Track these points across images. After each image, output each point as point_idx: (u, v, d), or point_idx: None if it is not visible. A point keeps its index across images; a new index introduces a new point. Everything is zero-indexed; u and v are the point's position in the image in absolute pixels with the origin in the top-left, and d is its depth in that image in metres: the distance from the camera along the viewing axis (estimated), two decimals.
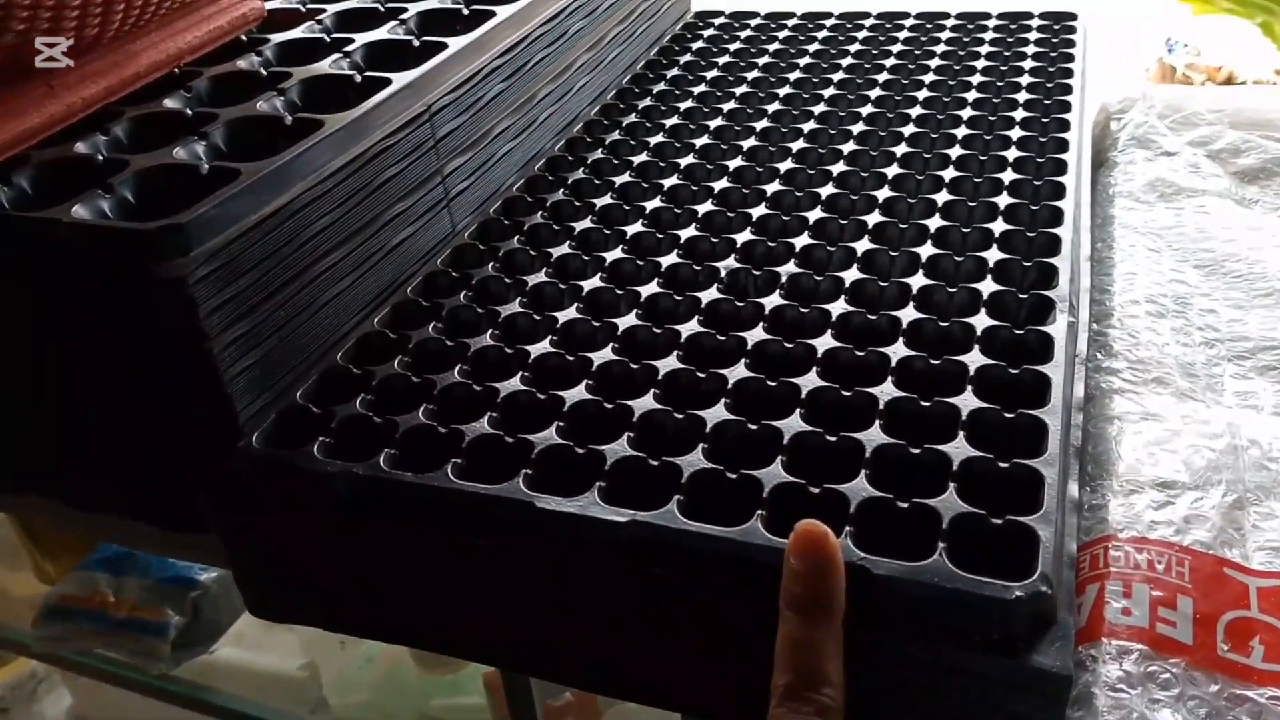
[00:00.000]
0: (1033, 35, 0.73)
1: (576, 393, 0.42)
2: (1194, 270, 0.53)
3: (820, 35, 0.77)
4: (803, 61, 0.73)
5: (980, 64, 0.70)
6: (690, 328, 0.46)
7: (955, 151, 0.59)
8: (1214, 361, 0.47)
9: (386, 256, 0.50)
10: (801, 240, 0.52)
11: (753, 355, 0.44)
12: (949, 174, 0.56)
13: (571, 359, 0.44)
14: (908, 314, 0.45)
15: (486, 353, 0.46)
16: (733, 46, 0.77)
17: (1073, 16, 0.76)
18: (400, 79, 0.50)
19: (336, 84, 0.52)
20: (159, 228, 0.38)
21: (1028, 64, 0.69)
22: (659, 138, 0.64)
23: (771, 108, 0.66)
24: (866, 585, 0.32)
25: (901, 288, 0.47)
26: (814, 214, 0.54)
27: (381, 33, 0.58)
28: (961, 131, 0.61)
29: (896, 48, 0.73)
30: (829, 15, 0.81)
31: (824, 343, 0.44)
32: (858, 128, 0.62)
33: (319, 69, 0.54)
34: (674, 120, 0.66)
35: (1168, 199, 0.59)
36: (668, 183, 0.58)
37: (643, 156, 0.62)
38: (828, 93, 0.67)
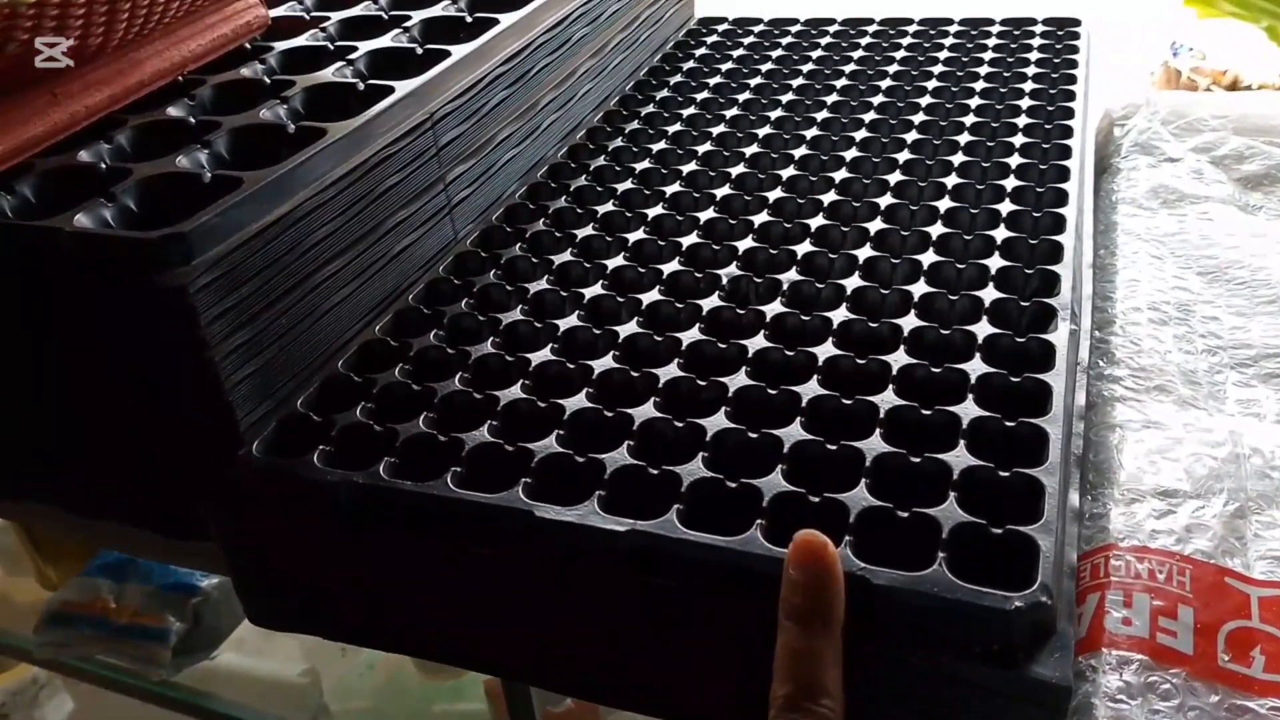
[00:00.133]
0: (1036, 41, 0.73)
1: (577, 401, 0.42)
2: (1197, 277, 0.53)
3: (823, 42, 0.77)
4: (805, 68, 0.73)
5: (983, 70, 0.69)
6: (691, 335, 0.46)
7: (958, 158, 0.59)
8: (1216, 369, 0.47)
9: (388, 264, 0.50)
10: (803, 247, 0.52)
11: (753, 363, 0.44)
12: (951, 181, 0.56)
13: (572, 367, 0.45)
14: (909, 322, 0.45)
15: (487, 360, 0.46)
16: (735, 53, 0.77)
17: (1076, 23, 0.76)
18: (403, 87, 0.51)
19: (339, 92, 0.52)
20: (161, 236, 0.38)
21: (1031, 70, 0.69)
22: (662, 144, 0.64)
23: (774, 114, 0.66)
24: (866, 595, 0.32)
25: (903, 295, 0.47)
26: (816, 221, 0.54)
27: (385, 41, 0.58)
28: (964, 138, 0.61)
29: (899, 54, 0.73)
30: (832, 22, 0.81)
31: (825, 350, 0.44)
32: (860, 134, 0.62)
33: (322, 77, 0.54)
34: (677, 127, 0.66)
35: (1171, 205, 0.59)
36: (670, 190, 0.58)
37: (645, 163, 0.62)
38: (830, 99, 0.67)
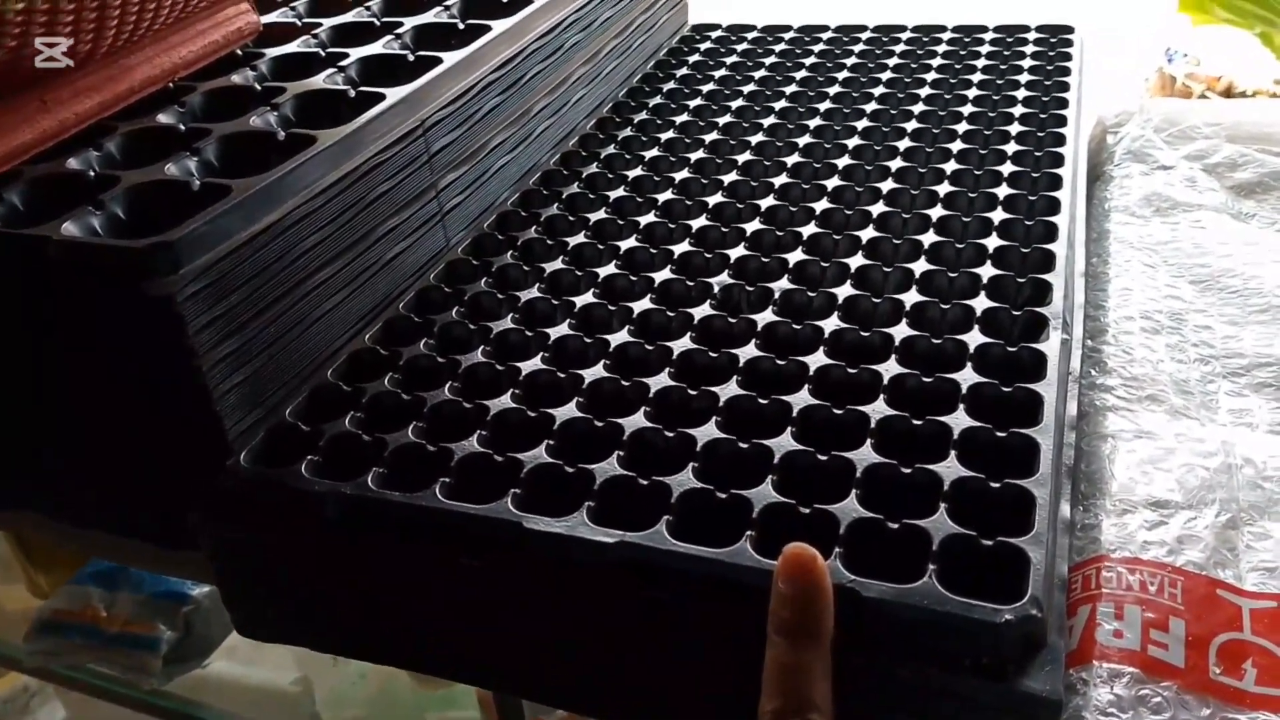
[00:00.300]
0: (1029, 49, 0.73)
1: (567, 410, 0.42)
2: (1189, 286, 0.53)
3: (816, 49, 0.77)
4: (799, 75, 0.73)
5: (976, 78, 0.69)
6: (682, 344, 0.46)
7: (950, 166, 0.59)
8: (1209, 378, 0.47)
9: (379, 272, 0.50)
10: (795, 256, 0.51)
11: (745, 372, 0.44)
12: (944, 189, 0.56)
13: (562, 376, 0.44)
14: (900, 331, 0.45)
15: (477, 369, 0.45)
16: (729, 60, 0.77)
17: (1069, 30, 0.76)
18: (394, 94, 0.50)
19: (331, 99, 0.52)
20: (148, 245, 0.38)
21: (1024, 78, 0.69)
22: (654, 152, 0.64)
23: (767, 122, 0.66)
24: (856, 608, 0.32)
25: (895, 304, 0.47)
26: (808, 229, 0.54)
27: (376, 47, 0.58)
28: (957, 146, 0.61)
29: (892, 61, 0.73)
30: (825, 28, 0.81)
31: (816, 360, 0.44)
32: (853, 142, 0.62)
33: (313, 84, 0.54)
34: (669, 134, 0.66)
35: (1164, 213, 0.59)
36: (662, 197, 0.58)
37: (638, 171, 0.62)
38: (823, 107, 0.67)
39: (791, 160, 0.61)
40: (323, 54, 0.58)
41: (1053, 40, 0.74)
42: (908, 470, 0.37)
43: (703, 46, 0.80)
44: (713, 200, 0.57)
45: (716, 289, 0.49)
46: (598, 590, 0.36)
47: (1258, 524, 0.39)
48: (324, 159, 0.45)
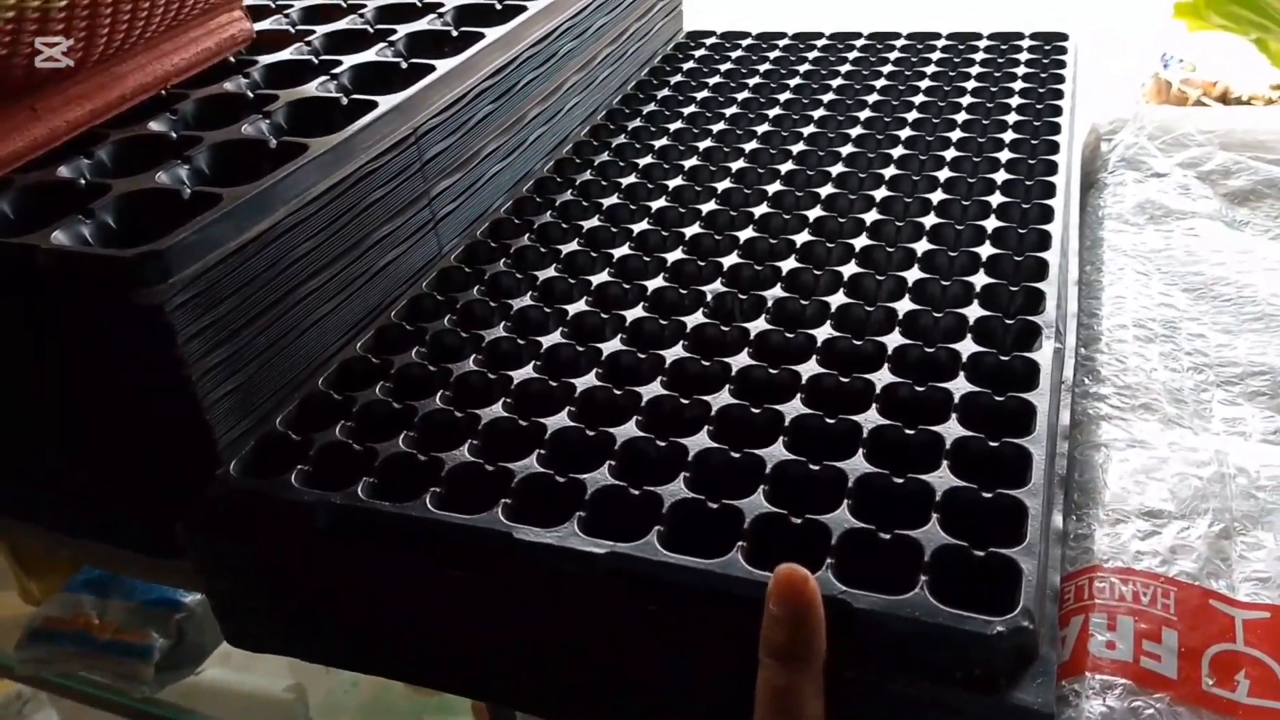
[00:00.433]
0: (1024, 56, 0.73)
1: (558, 419, 0.42)
2: (1183, 294, 0.53)
3: (811, 56, 0.77)
4: (793, 82, 0.73)
5: (970, 85, 0.69)
6: (675, 353, 0.45)
7: (944, 174, 0.58)
8: (1202, 387, 0.47)
9: (372, 280, 0.50)
10: (788, 264, 0.51)
11: (737, 381, 0.43)
12: (937, 197, 0.56)
13: (554, 384, 0.44)
14: (893, 339, 0.45)
15: (469, 378, 0.45)
16: (724, 67, 0.77)
17: (1064, 37, 0.76)
18: (387, 101, 0.50)
19: (323, 107, 0.52)
20: (137, 254, 0.38)
21: (1018, 85, 0.69)
22: (648, 159, 0.64)
23: (761, 129, 0.66)
24: (847, 619, 0.32)
25: (888, 313, 0.47)
26: (801, 237, 0.54)
27: (370, 55, 0.58)
28: (950, 154, 0.61)
29: (887, 69, 0.73)
30: (820, 36, 0.81)
31: (808, 368, 0.43)
32: (847, 149, 0.62)
33: (305, 91, 0.53)
34: (663, 141, 0.66)
35: (1157, 221, 0.59)
36: (655, 205, 0.58)
37: (631, 178, 0.61)
38: (817, 114, 0.67)
39: (785, 168, 0.61)
40: (316, 61, 0.58)
41: (1047, 48, 0.74)
42: (900, 480, 0.37)
43: (697, 53, 0.80)
44: (706, 208, 0.57)
45: (709, 297, 0.49)
46: (589, 601, 0.35)
47: (1251, 534, 0.39)
48: (316, 167, 0.45)
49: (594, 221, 0.57)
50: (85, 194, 0.45)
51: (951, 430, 0.39)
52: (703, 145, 0.65)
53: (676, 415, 0.42)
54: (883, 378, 0.43)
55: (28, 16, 0.43)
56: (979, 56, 0.74)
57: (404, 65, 0.56)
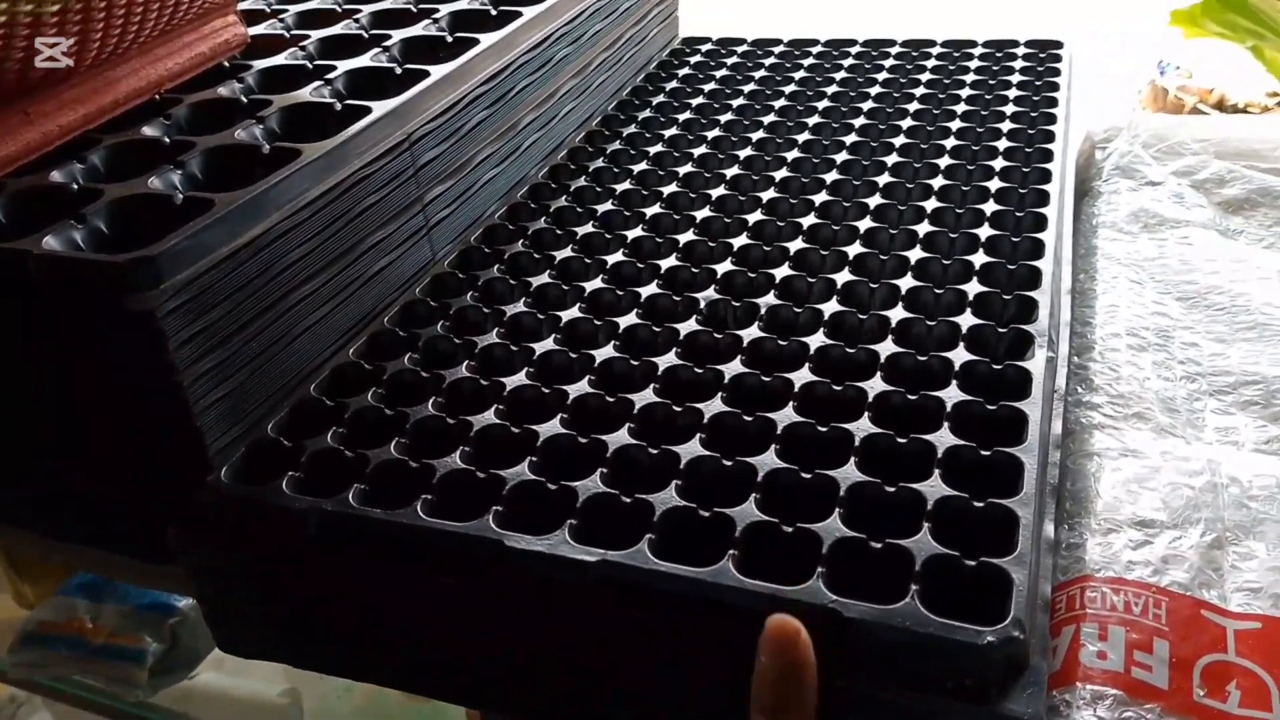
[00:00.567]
0: (1018, 64, 0.73)
1: (550, 427, 0.42)
2: (1176, 303, 0.53)
3: (806, 62, 0.77)
4: (788, 89, 0.73)
5: (965, 93, 0.70)
6: (668, 360, 0.45)
7: (938, 182, 0.59)
8: (1195, 396, 0.47)
9: (364, 286, 0.50)
10: (782, 271, 0.51)
11: (730, 389, 0.43)
12: (931, 204, 0.56)
13: (547, 391, 0.44)
14: (886, 348, 0.45)
15: (461, 384, 0.45)
16: (719, 73, 0.77)
17: (1058, 45, 0.76)
18: (380, 107, 0.50)
19: (317, 112, 0.52)
20: (129, 260, 0.38)
21: (1012, 93, 0.69)
22: (643, 165, 0.64)
23: (756, 135, 0.66)
24: (838, 629, 0.32)
25: (881, 320, 0.47)
26: (795, 244, 0.54)
27: (364, 60, 0.57)
28: (945, 161, 0.61)
29: (882, 75, 0.74)
30: (816, 42, 0.81)
31: (801, 376, 0.43)
32: (841, 157, 0.62)
33: (299, 97, 0.53)
34: (658, 148, 0.66)
35: (1151, 230, 0.59)
36: (650, 211, 0.58)
37: (626, 185, 0.61)
38: (812, 120, 0.67)
39: (779, 175, 0.61)
40: (310, 66, 0.58)
41: (1042, 55, 0.75)
42: (891, 489, 0.37)
43: (693, 59, 0.80)
44: (700, 215, 0.57)
45: (703, 304, 0.49)
46: (579, 609, 0.35)
47: (1243, 544, 0.39)
48: (309, 172, 0.45)
49: (588, 228, 0.57)
50: (78, 199, 0.45)
51: (943, 439, 0.39)
52: (697, 152, 0.65)
53: (669, 422, 0.42)
54: (875, 386, 0.43)
55: (20, 21, 0.43)
56: (974, 64, 0.74)
57: (398, 71, 0.56)
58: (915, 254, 0.52)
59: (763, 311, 0.48)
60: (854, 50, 0.79)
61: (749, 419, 0.41)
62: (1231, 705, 0.33)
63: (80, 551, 0.50)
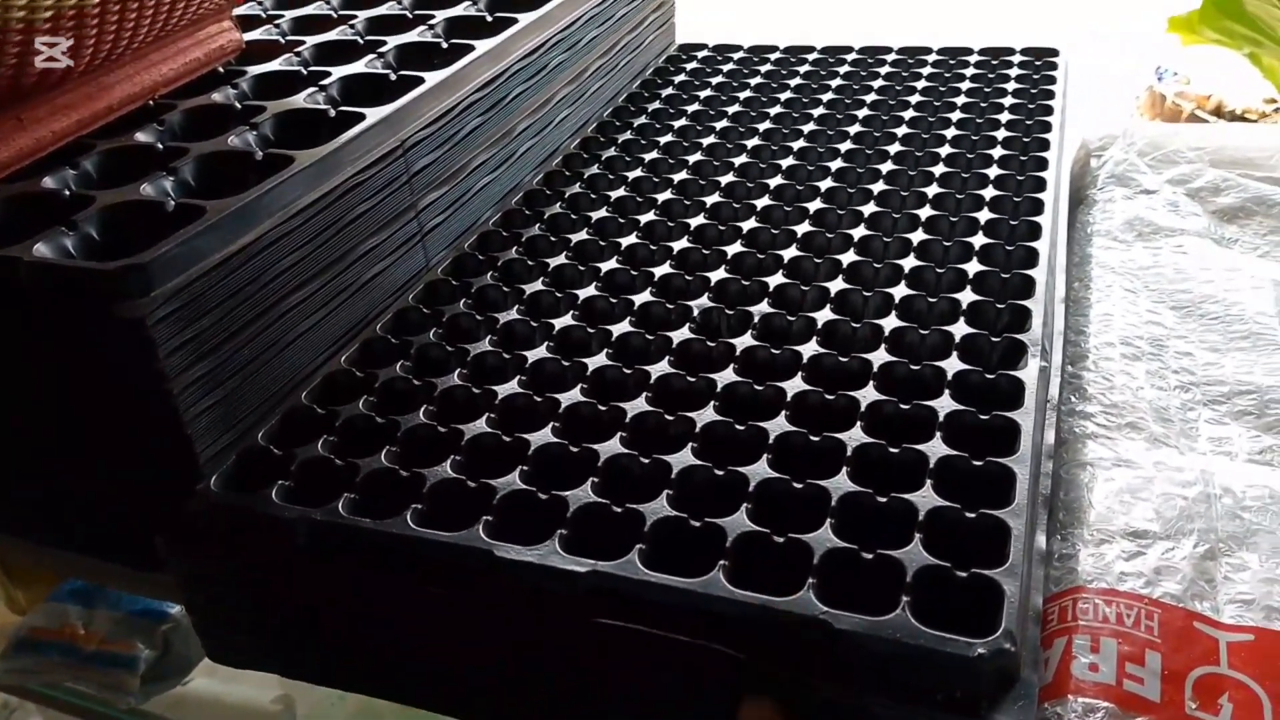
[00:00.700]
0: (1014, 72, 0.73)
1: (542, 435, 0.42)
2: (1170, 311, 0.53)
3: (802, 70, 0.77)
4: (784, 96, 0.73)
5: (960, 100, 0.70)
6: (661, 368, 0.45)
7: (932, 190, 0.58)
8: (1189, 406, 0.47)
9: (357, 293, 0.50)
10: (776, 279, 0.51)
11: (722, 397, 0.43)
12: (925, 213, 0.56)
13: (539, 400, 0.44)
14: (879, 357, 0.45)
15: (453, 393, 0.45)
16: (715, 80, 0.77)
17: (1054, 53, 0.76)
18: (374, 114, 0.50)
19: (311, 118, 0.52)
20: (119, 267, 0.38)
21: (1008, 101, 0.69)
22: (638, 172, 0.63)
23: (751, 143, 0.66)
24: (828, 640, 0.32)
25: (874, 329, 0.47)
26: (789, 252, 0.54)
27: (358, 66, 0.57)
28: (939, 169, 0.61)
29: (877, 83, 0.73)
30: (812, 49, 0.81)
31: (794, 385, 0.43)
32: (836, 164, 0.62)
33: (293, 103, 0.53)
34: (653, 155, 0.66)
35: (1146, 238, 0.59)
36: (644, 218, 0.58)
37: (621, 191, 0.61)
38: (807, 128, 0.67)
39: (774, 182, 0.61)
40: (305, 73, 0.57)
41: (1037, 63, 0.75)
42: (883, 499, 0.37)
43: (689, 66, 0.80)
44: (695, 222, 0.57)
45: (696, 312, 0.49)
46: (569, 619, 0.35)
47: (1236, 555, 0.38)
48: (301, 179, 0.45)
49: (582, 235, 0.57)
50: (70, 205, 0.44)
51: (936, 449, 0.39)
52: (692, 159, 0.65)
53: (660, 431, 0.42)
54: (868, 395, 0.43)
55: (13, 27, 0.43)
56: (969, 71, 0.74)
57: (393, 77, 0.56)
58: (909, 262, 0.52)
59: (756, 319, 0.48)
60: (849, 58, 0.79)
61: (741, 428, 0.41)
62: (1224, 718, 0.33)
63: (70, 559, 0.50)
